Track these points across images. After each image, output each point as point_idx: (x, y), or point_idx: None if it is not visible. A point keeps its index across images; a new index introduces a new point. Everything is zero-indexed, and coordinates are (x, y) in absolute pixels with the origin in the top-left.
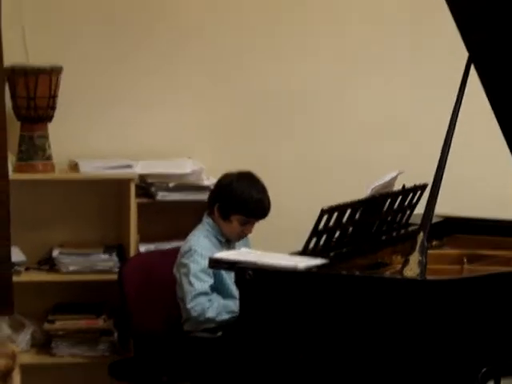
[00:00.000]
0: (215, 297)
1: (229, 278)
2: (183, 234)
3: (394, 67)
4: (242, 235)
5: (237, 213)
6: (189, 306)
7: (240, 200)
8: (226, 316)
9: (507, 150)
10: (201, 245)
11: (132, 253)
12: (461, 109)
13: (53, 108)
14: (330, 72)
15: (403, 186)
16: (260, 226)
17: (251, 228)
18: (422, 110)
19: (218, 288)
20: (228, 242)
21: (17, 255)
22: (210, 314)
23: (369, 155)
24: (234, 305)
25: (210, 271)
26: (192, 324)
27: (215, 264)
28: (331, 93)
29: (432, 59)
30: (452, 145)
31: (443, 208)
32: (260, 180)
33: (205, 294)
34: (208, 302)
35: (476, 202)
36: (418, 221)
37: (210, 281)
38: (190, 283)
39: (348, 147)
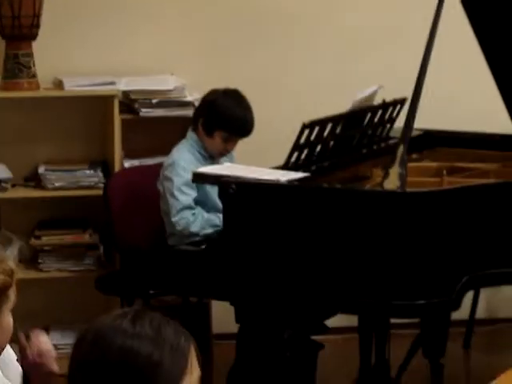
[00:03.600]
0: (199, 211)
1: (212, 191)
2: (167, 150)
3: None
4: (224, 152)
5: (220, 129)
6: (173, 219)
7: (224, 116)
8: (209, 230)
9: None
10: (184, 158)
11: (116, 168)
12: (441, 23)
13: (37, 26)
14: None
15: (383, 100)
16: (243, 141)
17: (233, 145)
18: (405, 25)
19: (202, 201)
20: (212, 158)
21: (3, 172)
22: (194, 228)
23: (350, 70)
24: (217, 219)
25: (194, 184)
26: (176, 239)
27: (199, 178)
28: (316, 7)
29: None
30: (433, 60)
31: (425, 123)
32: (245, 98)
33: (189, 207)
34: (192, 215)
35: (457, 116)
36: (398, 134)
37: (194, 194)
38: (174, 197)
39: (330, 62)
